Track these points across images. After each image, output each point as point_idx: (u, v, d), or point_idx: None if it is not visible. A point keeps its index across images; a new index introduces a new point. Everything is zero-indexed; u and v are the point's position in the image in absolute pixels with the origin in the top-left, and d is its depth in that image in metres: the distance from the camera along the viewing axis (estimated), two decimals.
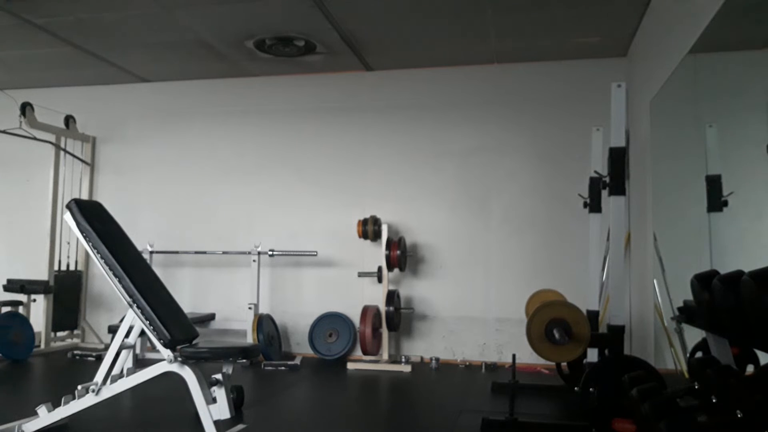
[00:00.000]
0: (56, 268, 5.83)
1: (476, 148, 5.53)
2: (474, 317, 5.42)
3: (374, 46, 5.19)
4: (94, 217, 3.07)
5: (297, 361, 5.11)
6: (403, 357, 5.35)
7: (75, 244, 6.01)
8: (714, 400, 1.85)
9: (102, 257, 2.97)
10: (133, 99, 6.29)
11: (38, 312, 5.56)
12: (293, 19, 4.63)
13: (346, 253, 5.65)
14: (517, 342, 4.89)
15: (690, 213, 3.34)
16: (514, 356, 3.50)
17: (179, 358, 2.87)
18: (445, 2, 4.31)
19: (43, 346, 5.56)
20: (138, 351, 4.76)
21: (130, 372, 3.00)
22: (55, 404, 3.00)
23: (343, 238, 5.63)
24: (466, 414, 3.62)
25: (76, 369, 4.93)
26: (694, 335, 2.87)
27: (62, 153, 5.93)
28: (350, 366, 5.07)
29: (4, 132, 5.40)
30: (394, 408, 4.10)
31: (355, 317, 5.35)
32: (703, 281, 2.19)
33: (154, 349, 3.24)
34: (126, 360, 3.15)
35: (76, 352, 5.43)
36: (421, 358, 5.44)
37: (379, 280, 5.21)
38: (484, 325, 5.39)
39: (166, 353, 2.88)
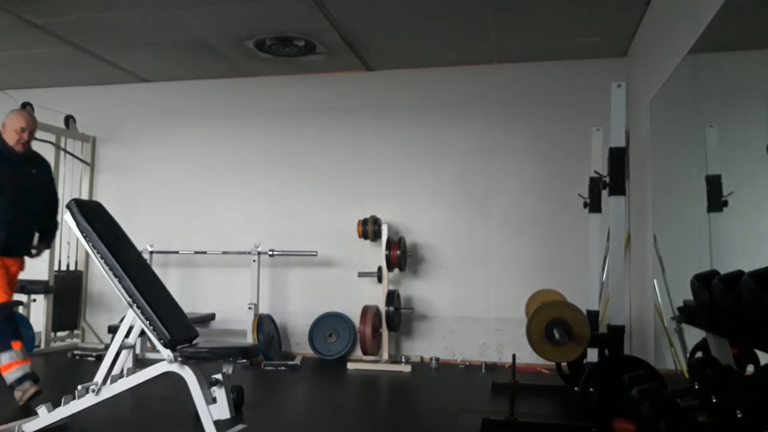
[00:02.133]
0: (56, 268, 5.83)
1: (476, 148, 5.53)
2: (474, 317, 5.42)
3: (374, 46, 5.19)
4: (94, 217, 3.07)
5: (297, 361, 5.11)
6: (403, 357, 5.35)
7: (75, 244, 6.01)
8: (714, 400, 1.85)
9: (102, 257, 2.97)
10: (133, 99, 6.29)
11: (38, 312, 5.56)
12: (293, 19, 4.63)
13: (346, 253, 5.65)
14: (517, 342, 4.88)
15: (690, 213, 3.34)
16: (514, 356, 3.50)
17: (179, 358, 2.87)
18: (445, 2, 4.31)
19: (43, 346, 5.56)
20: (138, 351, 4.76)
21: (130, 372, 3.00)
22: (55, 404, 3.00)
23: (343, 238, 5.63)
24: (466, 414, 3.62)
25: (76, 369, 4.93)
26: (694, 335, 2.87)
27: (62, 153, 5.93)
28: (350, 366, 5.07)
29: None
30: (394, 408, 4.10)
31: (355, 317, 5.35)
32: (703, 281, 2.19)
33: (154, 349, 3.24)
34: (126, 360, 3.15)
35: (76, 352, 5.43)
36: (421, 358, 5.44)
37: (379, 280, 5.21)
38: (484, 325, 5.39)
39: (166, 353, 2.88)
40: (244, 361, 5.00)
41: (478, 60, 5.48)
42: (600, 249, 4.40)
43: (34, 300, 5.55)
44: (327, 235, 5.68)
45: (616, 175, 3.32)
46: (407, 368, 5.02)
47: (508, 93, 5.54)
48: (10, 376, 3.49)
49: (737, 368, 2.27)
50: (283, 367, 5.00)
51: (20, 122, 3.76)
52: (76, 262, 6.09)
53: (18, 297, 5.40)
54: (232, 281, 5.81)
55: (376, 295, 5.35)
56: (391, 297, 5.12)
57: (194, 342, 3.04)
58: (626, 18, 4.53)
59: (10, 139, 3.75)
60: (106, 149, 6.32)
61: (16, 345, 3.50)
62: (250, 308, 5.28)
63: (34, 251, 3.99)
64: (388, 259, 5.14)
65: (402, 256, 5.19)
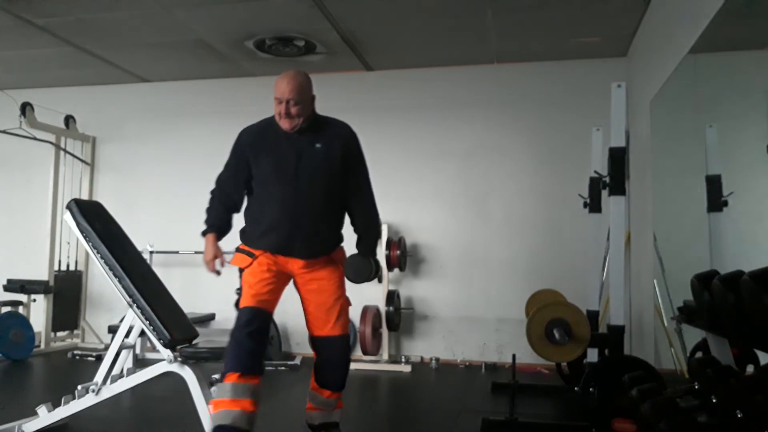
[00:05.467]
0: (56, 268, 5.82)
1: (476, 148, 5.53)
2: (474, 317, 5.41)
3: (374, 46, 5.18)
4: (94, 217, 3.07)
5: (297, 361, 5.11)
6: (403, 357, 5.35)
7: (75, 245, 6.00)
8: (714, 400, 1.85)
9: (102, 257, 2.97)
10: (133, 99, 6.29)
11: (38, 312, 5.56)
12: (293, 19, 4.63)
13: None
14: (517, 342, 4.88)
15: (690, 213, 3.35)
16: (514, 356, 3.50)
17: (179, 358, 2.87)
18: (445, 2, 4.31)
19: (43, 346, 5.56)
20: (138, 351, 4.76)
21: (130, 372, 3.00)
22: (55, 404, 3.00)
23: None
24: (466, 414, 3.62)
25: (76, 369, 4.93)
26: (694, 335, 2.87)
27: (62, 153, 5.93)
28: (350, 366, 5.05)
29: (4, 132, 5.40)
30: (394, 408, 4.10)
31: (355, 317, 5.33)
32: (703, 281, 2.20)
33: (154, 349, 3.24)
34: (126, 360, 3.15)
35: (76, 352, 5.42)
36: (421, 358, 5.44)
37: (379, 280, 5.20)
38: (484, 325, 5.38)
39: (166, 353, 2.88)
40: None
41: (478, 60, 5.48)
42: (600, 249, 4.40)
43: (34, 300, 5.55)
44: None
45: (616, 175, 3.33)
46: (407, 368, 5.02)
47: (508, 93, 5.53)
48: (213, 418, 2.51)
49: (737, 368, 2.27)
50: (283, 367, 5.00)
51: (275, 92, 2.81)
52: (76, 262, 6.09)
53: (18, 297, 5.43)
54: (232, 281, 5.78)
55: (376, 295, 5.34)
56: (391, 297, 5.12)
57: (194, 342, 3.04)
58: (626, 18, 4.52)
59: (277, 116, 2.87)
60: (106, 149, 6.32)
61: (231, 378, 2.48)
62: None
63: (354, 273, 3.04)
64: (388, 259, 5.14)
65: (402, 256, 5.19)
